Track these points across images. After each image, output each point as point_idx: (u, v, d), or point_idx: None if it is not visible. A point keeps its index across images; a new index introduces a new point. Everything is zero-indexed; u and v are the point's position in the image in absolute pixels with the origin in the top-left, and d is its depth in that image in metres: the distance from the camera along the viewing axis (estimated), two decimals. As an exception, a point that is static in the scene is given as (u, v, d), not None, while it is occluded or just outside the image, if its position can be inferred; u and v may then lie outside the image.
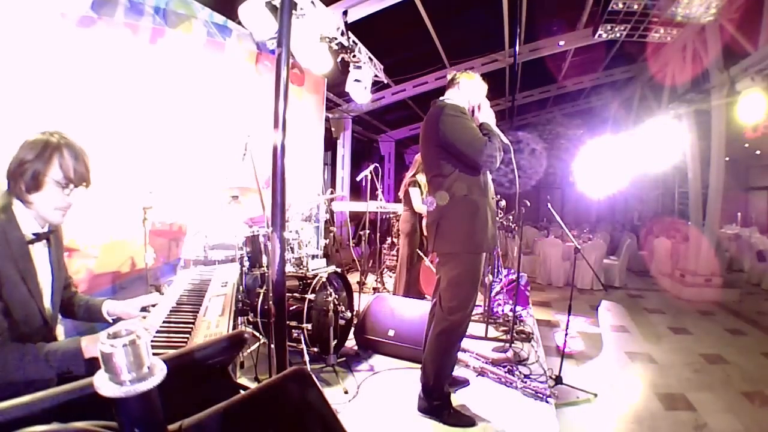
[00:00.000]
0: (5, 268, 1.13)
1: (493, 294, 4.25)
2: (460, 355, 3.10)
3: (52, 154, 1.19)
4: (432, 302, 2.60)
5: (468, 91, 2.41)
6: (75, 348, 1.15)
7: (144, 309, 1.51)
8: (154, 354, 0.46)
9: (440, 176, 2.29)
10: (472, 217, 2.24)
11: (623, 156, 7.72)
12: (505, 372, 2.88)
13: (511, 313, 3.76)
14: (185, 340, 1.30)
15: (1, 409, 0.46)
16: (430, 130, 2.29)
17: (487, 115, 2.39)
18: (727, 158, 5.81)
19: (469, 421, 2.32)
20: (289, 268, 3.09)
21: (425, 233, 4.05)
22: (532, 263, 7.09)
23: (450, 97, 2.41)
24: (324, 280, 2.95)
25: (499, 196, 3.89)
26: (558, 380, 2.87)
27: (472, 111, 2.41)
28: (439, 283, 2.45)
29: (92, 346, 1.16)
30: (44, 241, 1.30)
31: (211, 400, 0.54)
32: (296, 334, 2.77)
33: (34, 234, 1.24)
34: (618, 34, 5.37)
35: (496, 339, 3.62)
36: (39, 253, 1.28)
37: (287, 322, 2.64)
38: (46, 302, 1.29)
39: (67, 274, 1.49)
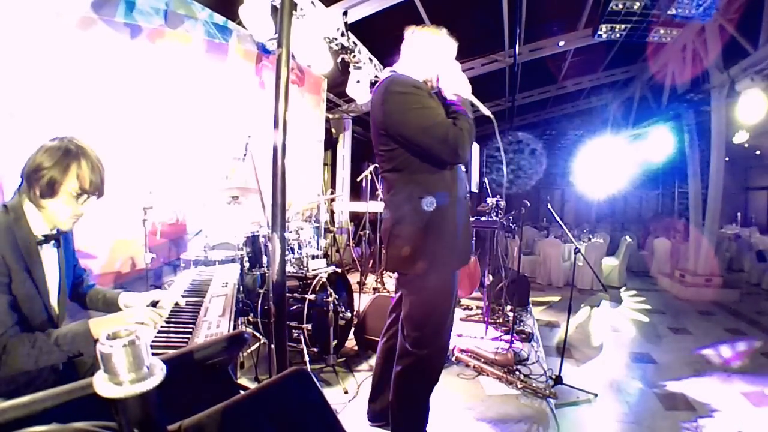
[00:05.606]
0: (13, 265, 1.15)
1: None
2: (460, 355, 3.10)
3: (70, 164, 1.19)
4: (391, 318, 2.11)
5: (425, 53, 1.78)
6: (84, 330, 1.19)
7: (153, 304, 1.52)
8: (153, 354, 0.46)
9: (392, 172, 1.78)
10: (433, 226, 1.70)
11: (623, 156, 7.72)
12: (505, 372, 2.88)
13: (511, 313, 3.76)
14: (185, 340, 1.30)
15: (1, 409, 0.46)
16: (376, 113, 1.75)
17: (453, 84, 1.76)
18: (727, 158, 5.81)
19: None
20: (289, 269, 3.09)
21: None
22: (532, 263, 7.08)
23: (402, 63, 1.84)
24: (324, 280, 2.95)
25: (498, 196, 3.89)
26: (558, 380, 2.86)
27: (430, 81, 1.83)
28: (399, 302, 1.94)
29: (101, 326, 1.21)
30: (53, 241, 1.31)
31: (211, 400, 0.54)
32: (296, 334, 2.77)
33: (43, 235, 1.26)
34: (618, 35, 5.36)
35: (496, 339, 3.62)
36: (48, 254, 1.29)
37: (287, 322, 2.64)
38: (53, 301, 1.30)
39: (81, 270, 1.54)
